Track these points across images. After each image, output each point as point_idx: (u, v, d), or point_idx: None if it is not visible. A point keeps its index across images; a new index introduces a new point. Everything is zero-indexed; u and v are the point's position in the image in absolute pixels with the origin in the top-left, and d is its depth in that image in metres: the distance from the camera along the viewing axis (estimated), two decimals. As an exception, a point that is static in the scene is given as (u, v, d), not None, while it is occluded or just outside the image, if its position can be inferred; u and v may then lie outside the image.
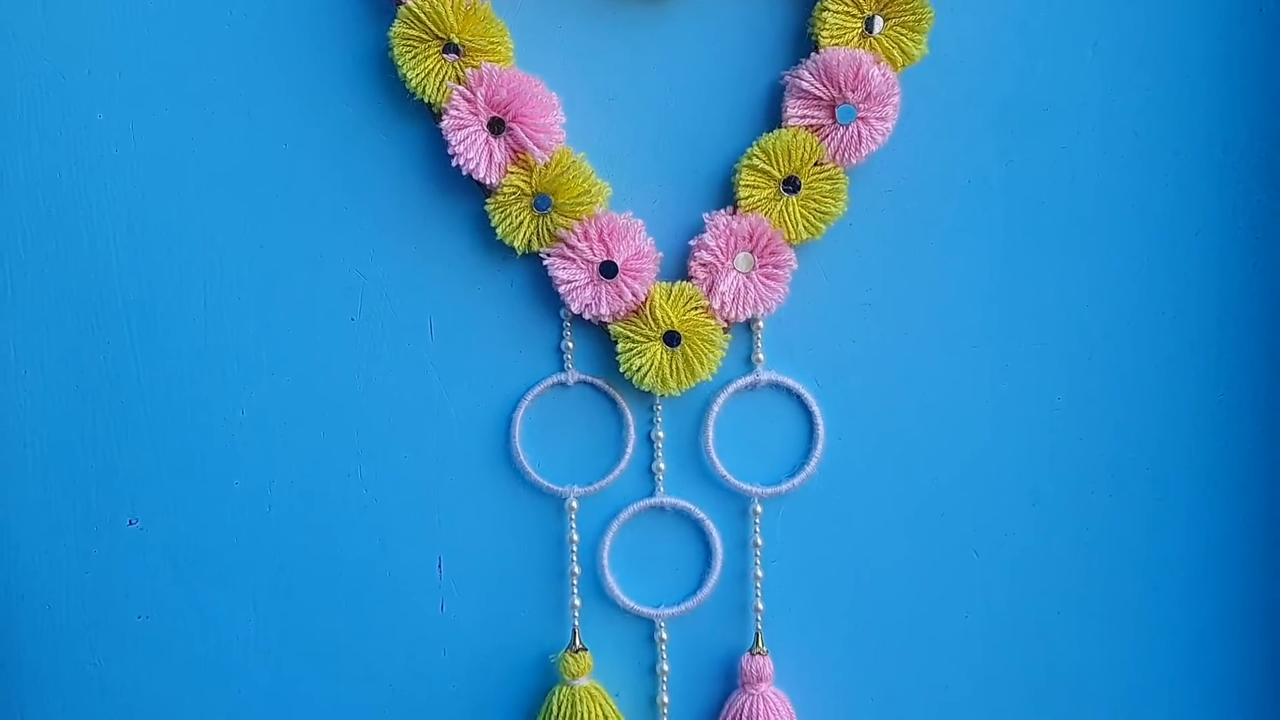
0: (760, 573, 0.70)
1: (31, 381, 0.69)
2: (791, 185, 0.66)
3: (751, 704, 0.70)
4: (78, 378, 0.69)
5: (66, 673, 0.71)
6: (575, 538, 0.70)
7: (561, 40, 0.67)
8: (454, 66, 0.64)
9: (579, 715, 0.69)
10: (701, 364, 0.66)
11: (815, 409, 0.70)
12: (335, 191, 0.68)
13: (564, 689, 0.69)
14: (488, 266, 0.69)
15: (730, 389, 0.69)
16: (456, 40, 0.64)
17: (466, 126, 0.64)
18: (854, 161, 0.66)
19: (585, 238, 0.65)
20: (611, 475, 0.69)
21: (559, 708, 0.69)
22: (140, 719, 0.72)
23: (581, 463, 0.70)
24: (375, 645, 0.71)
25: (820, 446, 0.70)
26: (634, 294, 0.66)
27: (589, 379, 0.69)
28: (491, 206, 0.66)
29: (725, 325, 0.67)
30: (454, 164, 0.65)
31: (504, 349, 0.69)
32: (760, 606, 0.70)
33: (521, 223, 0.66)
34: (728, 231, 0.66)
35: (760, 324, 0.69)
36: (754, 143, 0.66)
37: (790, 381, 0.69)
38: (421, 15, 0.63)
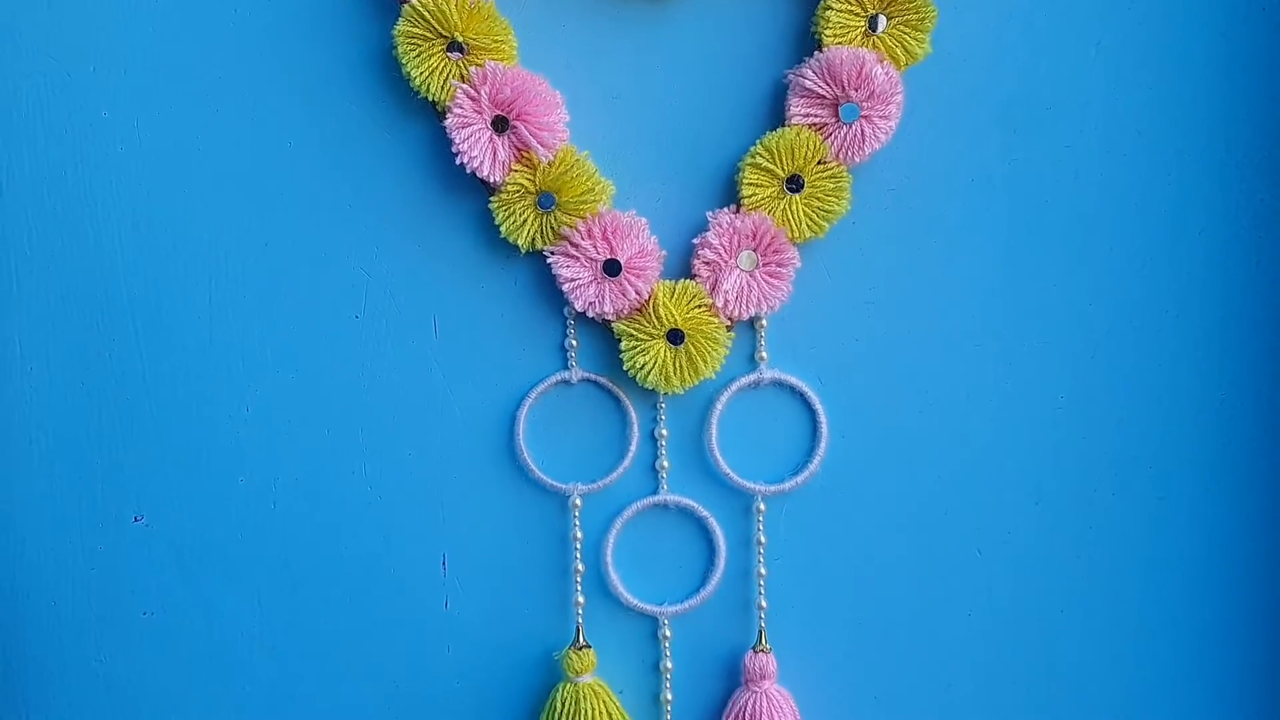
0: (763, 570, 0.70)
1: (37, 378, 0.69)
2: (795, 184, 0.66)
3: (755, 701, 0.70)
4: (83, 374, 0.69)
5: (72, 668, 0.71)
6: (579, 535, 0.70)
7: (565, 39, 0.67)
8: (458, 65, 0.64)
9: (583, 712, 0.69)
10: (705, 362, 0.66)
11: (818, 407, 0.70)
12: (339, 189, 0.68)
13: (568, 686, 0.69)
14: (492, 264, 0.69)
15: (733, 387, 0.69)
16: (460, 39, 0.64)
17: (470, 125, 0.64)
18: (857, 160, 0.66)
19: (589, 236, 0.65)
20: (615, 473, 0.70)
21: (563, 705, 0.69)
22: (146, 714, 0.72)
23: (585, 460, 0.70)
24: (380, 642, 0.71)
25: (823, 445, 0.70)
26: (637, 292, 0.66)
27: (593, 377, 0.69)
28: (495, 205, 0.66)
29: (729, 323, 0.67)
30: (458, 162, 0.65)
31: (508, 347, 0.69)
32: (763, 604, 0.70)
33: (525, 221, 0.66)
34: (731, 230, 0.66)
35: (763, 322, 0.69)
36: (757, 141, 0.66)
37: (793, 380, 0.70)
38: (426, 14, 0.63)
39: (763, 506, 0.70)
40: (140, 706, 0.72)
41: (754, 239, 0.66)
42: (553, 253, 0.66)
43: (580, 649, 0.69)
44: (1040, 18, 0.68)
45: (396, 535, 0.71)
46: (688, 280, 0.67)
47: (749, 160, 0.66)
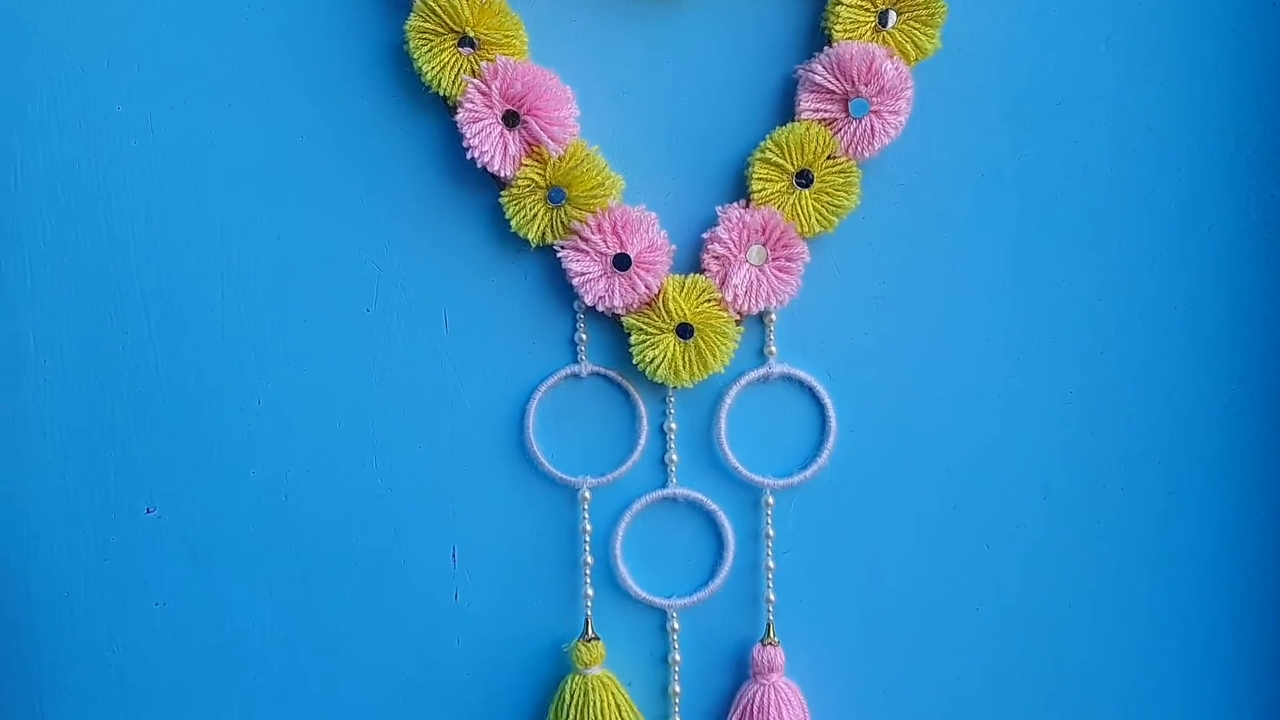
0: (772, 564, 0.70)
1: (51, 371, 0.70)
2: (804, 179, 0.66)
3: (763, 694, 0.70)
4: (96, 367, 0.70)
5: (85, 659, 0.72)
6: (588, 528, 0.70)
7: (576, 34, 0.67)
8: (469, 60, 0.64)
9: (591, 704, 0.69)
10: (714, 356, 0.66)
11: (827, 401, 0.70)
12: (351, 184, 0.68)
13: (576, 678, 0.70)
14: (502, 259, 0.69)
15: (743, 381, 0.69)
16: (472, 33, 0.64)
17: (481, 119, 0.64)
18: (867, 155, 0.66)
19: (599, 230, 0.65)
20: (624, 466, 0.70)
21: (571, 696, 0.69)
22: (157, 705, 0.72)
23: (594, 454, 0.70)
24: (390, 634, 0.71)
25: (832, 439, 0.70)
26: (647, 286, 0.66)
27: (602, 371, 0.69)
28: (506, 199, 0.66)
29: (738, 318, 0.67)
30: (469, 157, 0.65)
31: (518, 341, 0.70)
32: (772, 597, 0.70)
33: (535, 215, 0.66)
34: (740, 224, 0.66)
35: (773, 316, 0.69)
36: (767, 136, 0.66)
37: (802, 374, 0.70)
38: (437, 9, 0.63)
39: (771, 500, 0.70)
40: (152, 697, 0.72)
41: (763, 234, 0.66)
42: (563, 247, 0.66)
43: (589, 641, 0.69)
44: (1050, 13, 0.68)
45: (407, 528, 0.71)
46: (697, 275, 0.67)
47: (759, 155, 0.66)
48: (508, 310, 0.69)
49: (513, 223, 0.66)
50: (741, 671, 0.72)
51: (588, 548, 0.70)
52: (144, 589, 0.71)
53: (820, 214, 0.66)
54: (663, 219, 0.67)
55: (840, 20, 0.64)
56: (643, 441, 0.70)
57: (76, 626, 0.71)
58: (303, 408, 0.70)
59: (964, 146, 0.69)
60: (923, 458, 0.71)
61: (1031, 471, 0.72)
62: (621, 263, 0.65)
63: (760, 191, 0.66)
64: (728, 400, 0.69)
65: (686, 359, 0.66)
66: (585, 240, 0.66)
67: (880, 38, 0.65)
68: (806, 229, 0.66)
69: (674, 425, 0.70)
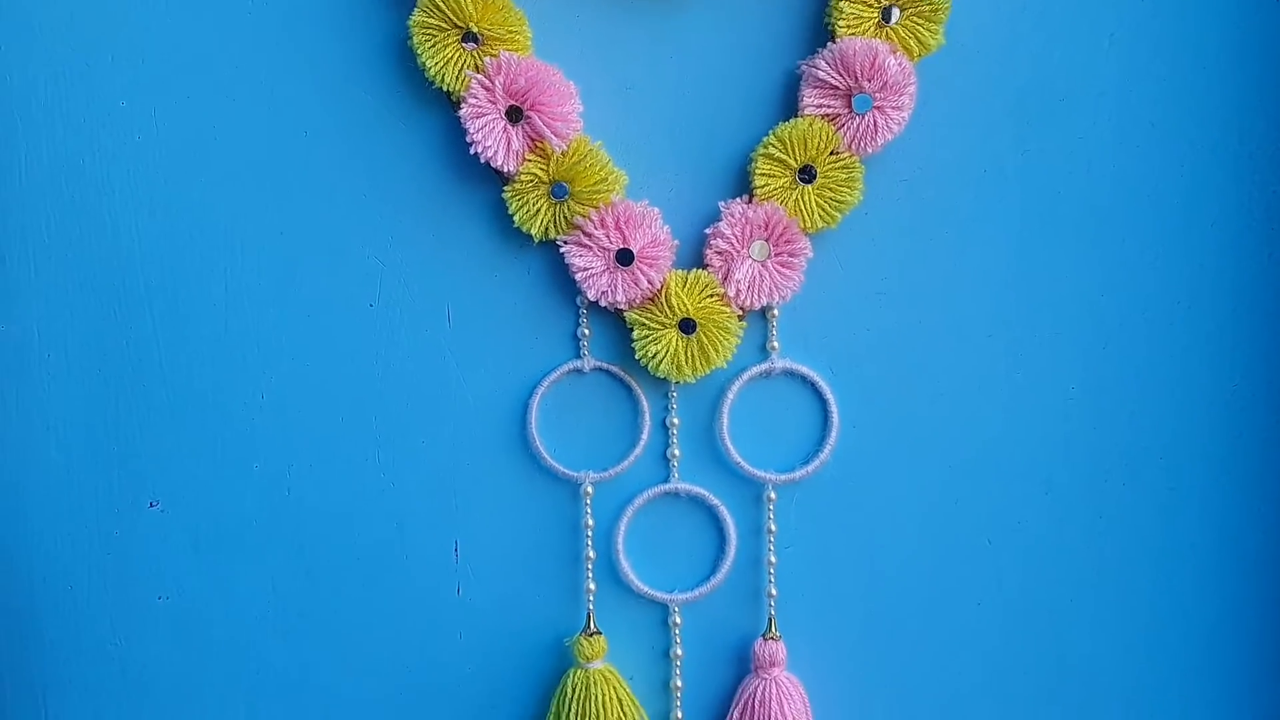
0: (774, 559, 0.70)
1: (55, 365, 0.70)
2: (807, 174, 0.66)
3: (764, 688, 0.70)
4: (100, 362, 0.70)
5: (88, 652, 0.72)
6: (590, 523, 0.70)
7: (579, 29, 0.67)
8: (473, 55, 0.64)
9: (593, 698, 0.69)
10: (716, 351, 0.67)
11: (829, 397, 0.70)
12: (354, 179, 0.68)
13: (578, 672, 0.70)
14: (505, 254, 0.69)
15: (745, 376, 0.69)
16: (475, 29, 0.64)
17: (485, 115, 0.65)
18: (870, 151, 0.66)
19: (602, 225, 0.66)
20: (627, 461, 0.70)
21: (573, 690, 0.69)
22: (160, 698, 0.72)
23: (597, 448, 0.70)
24: (392, 627, 0.72)
25: (834, 434, 0.70)
26: (650, 281, 0.66)
27: (605, 366, 0.70)
28: (509, 194, 0.66)
29: (740, 313, 0.67)
30: (472, 152, 0.65)
31: (521, 336, 0.70)
32: (773, 592, 0.70)
33: (539, 210, 0.66)
34: (743, 220, 0.66)
35: (775, 312, 0.69)
36: (770, 132, 0.66)
37: (805, 369, 0.70)
38: (441, 4, 0.63)
39: (773, 495, 0.70)
40: (155, 690, 0.72)
41: (766, 229, 0.66)
42: (566, 242, 0.66)
43: (591, 635, 0.70)
44: (1054, 9, 0.68)
45: (409, 522, 0.71)
46: (700, 270, 0.67)
47: (761, 150, 0.66)
48: (511, 305, 0.69)
49: (516, 218, 0.66)
50: (743, 666, 0.72)
51: (590, 542, 0.70)
52: (147, 582, 0.71)
53: (823, 209, 0.66)
54: (665, 214, 0.67)
55: (844, 16, 0.64)
56: (645, 436, 0.70)
57: (80, 620, 0.72)
58: (306, 402, 0.70)
59: (967, 142, 0.69)
60: (925, 453, 0.71)
61: (1033, 467, 0.72)
62: (624, 258, 0.65)
63: (763, 187, 0.66)
64: (730, 395, 0.69)
65: (689, 354, 0.66)
66: (588, 235, 0.66)
67: (884, 33, 0.65)
68: (809, 224, 0.66)
69: (676, 420, 0.70)
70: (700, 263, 0.67)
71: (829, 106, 0.65)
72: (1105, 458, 0.72)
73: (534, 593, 0.71)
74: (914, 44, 0.65)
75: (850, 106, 0.65)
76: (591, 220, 0.65)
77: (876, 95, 0.65)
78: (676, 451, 0.70)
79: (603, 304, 0.67)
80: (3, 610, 0.71)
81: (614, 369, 0.70)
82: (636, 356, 0.67)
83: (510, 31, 0.65)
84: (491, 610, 0.72)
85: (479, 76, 0.64)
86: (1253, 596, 0.73)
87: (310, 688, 0.72)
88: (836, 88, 0.65)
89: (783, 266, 0.67)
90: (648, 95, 0.68)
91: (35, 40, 0.67)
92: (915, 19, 0.65)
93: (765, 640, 0.70)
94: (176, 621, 0.72)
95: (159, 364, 0.70)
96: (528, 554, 0.71)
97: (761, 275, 0.66)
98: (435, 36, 0.64)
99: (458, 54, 0.64)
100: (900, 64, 0.64)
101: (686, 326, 0.66)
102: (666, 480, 0.70)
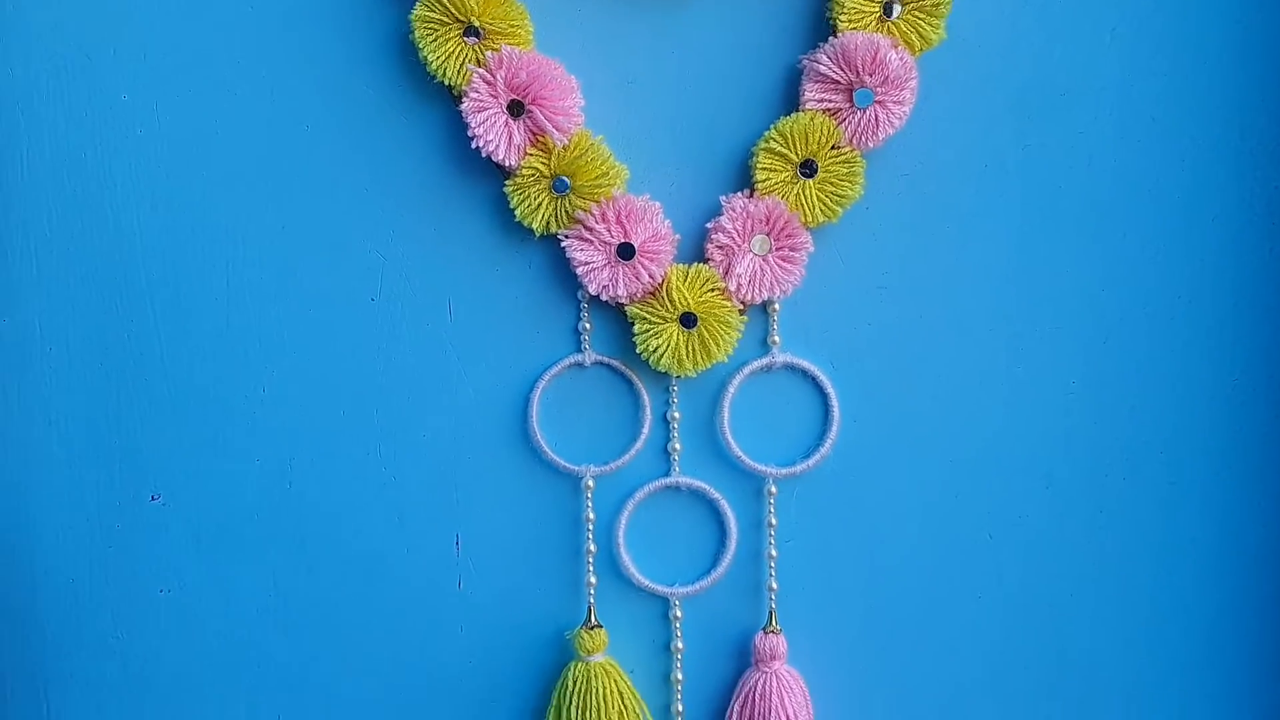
0: (774, 552, 0.70)
1: (56, 359, 0.70)
2: (808, 169, 0.66)
3: (765, 682, 0.70)
4: (102, 355, 0.70)
5: (89, 646, 0.72)
6: (591, 516, 0.70)
7: (581, 23, 0.67)
8: (474, 49, 0.64)
9: (594, 691, 0.69)
10: (717, 345, 0.67)
11: (830, 391, 0.70)
12: (356, 173, 0.68)
13: (579, 665, 0.70)
14: (506, 248, 0.69)
15: (746, 370, 0.69)
16: (477, 23, 0.64)
17: (486, 109, 0.65)
18: (871, 145, 0.66)
19: (603, 220, 0.66)
20: (627, 455, 0.70)
21: (574, 683, 0.69)
22: (162, 691, 0.72)
23: (598, 442, 0.70)
24: (393, 621, 0.72)
25: (835, 428, 0.70)
26: (651, 276, 0.66)
27: (606, 360, 0.70)
28: (510, 188, 0.66)
29: (741, 307, 0.67)
30: (473, 146, 0.65)
31: (522, 330, 0.70)
32: (774, 586, 0.70)
33: (540, 205, 0.66)
34: (744, 214, 0.66)
35: (776, 306, 0.69)
36: (771, 126, 0.66)
37: (805, 364, 0.70)
38: (442, -2, 0.64)
39: (774, 489, 0.70)
40: (156, 682, 0.72)
41: (767, 223, 0.66)
42: (567, 236, 0.66)
43: (592, 629, 0.70)
44: (1055, 4, 0.68)
45: (410, 516, 0.71)
46: (701, 264, 0.67)
47: (763, 145, 0.66)
48: (512, 299, 0.69)
49: (517, 212, 0.66)
50: (743, 659, 0.72)
51: (591, 536, 0.70)
52: (148, 576, 0.72)
53: (824, 204, 0.66)
54: (667, 208, 0.67)
55: (845, 10, 0.64)
56: (646, 430, 0.70)
57: (81, 613, 0.72)
58: (307, 396, 0.70)
59: (968, 137, 0.69)
60: (925, 447, 0.71)
61: (1034, 461, 0.72)
62: (625, 252, 0.65)
63: (764, 181, 0.66)
64: (731, 389, 0.69)
65: (690, 348, 0.67)
66: (589, 230, 0.66)
67: (885, 28, 0.65)
68: (810, 219, 0.66)
69: (677, 414, 0.70)
70: (701, 257, 0.67)
71: (830, 101, 0.65)
72: (1106, 452, 0.72)
73: (535, 586, 0.71)
74: (915, 38, 0.65)
75: (851, 101, 0.65)
76: (593, 214, 0.66)
77: (878, 90, 0.65)
78: (677, 445, 0.70)
79: (604, 298, 0.67)
80: (4, 604, 0.71)
81: (615, 363, 0.70)
82: (637, 351, 0.67)
83: (512, 26, 0.65)
84: (492, 604, 0.72)
85: (480, 71, 0.64)
86: (1253, 590, 0.73)
87: (311, 680, 0.72)
88: (838, 82, 0.65)
89: (784, 261, 0.67)
90: (649, 89, 0.68)
91: (37, 34, 0.67)
92: (917, 13, 0.65)
93: (766, 634, 0.70)
94: (178, 615, 0.72)
95: (160, 358, 0.70)
96: (529, 548, 0.71)
97: (762, 270, 0.67)
98: (436, 31, 0.64)
99: (459, 48, 0.64)
100: (902, 59, 0.64)
101: (687, 321, 0.66)
102: (667, 474, 0.70)
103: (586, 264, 0.66)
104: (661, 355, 0.66)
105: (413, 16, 0.64)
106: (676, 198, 0.68)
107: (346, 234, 0.69)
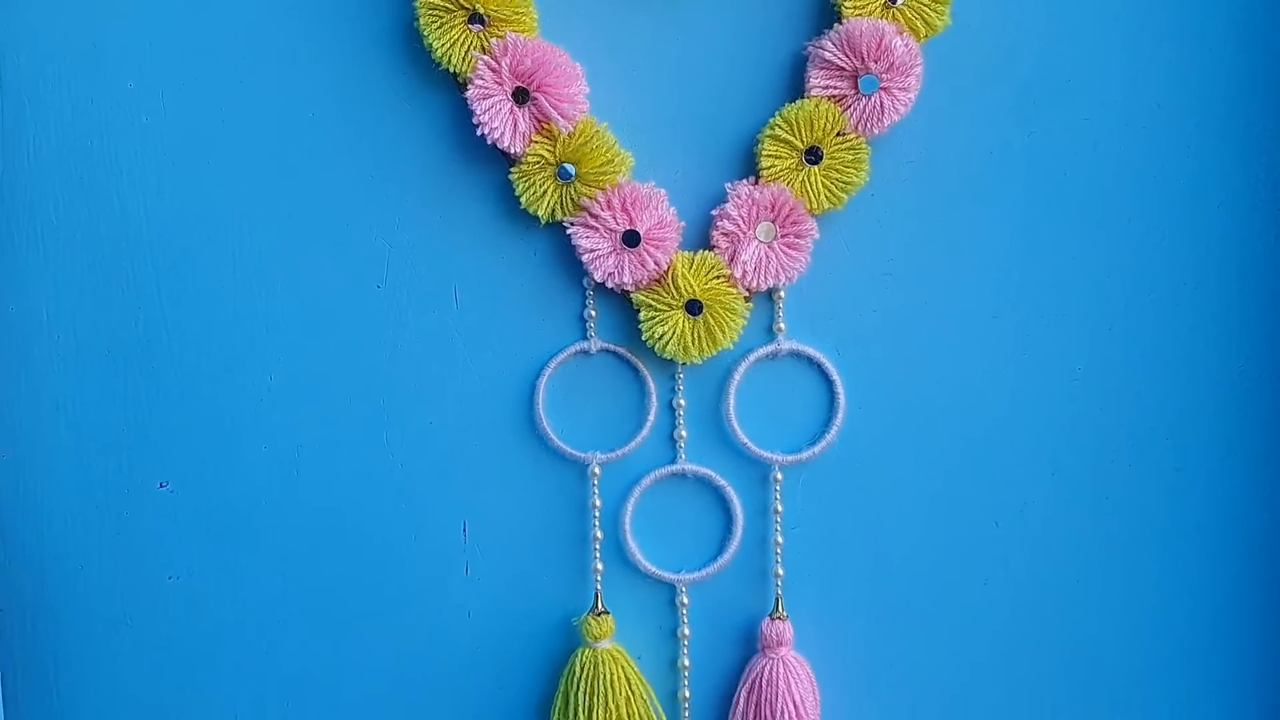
0: (780, 539, 0.71)
1: (64, 346, 0.70)
2: (814, 155, 0.66)
3: (771, 668, 0.70)
4: (109, 343, 0.70)
5: (99, 632, 0.72)
6: (598, 503, 0.70)
7: (586, 10, 0.67)
8: (479, 36, 0.64)
9: (601, 677, 0.69)
10: (723, 332, 0.67)
11: (836, 378, 0.70)
12: (362, 160, 0.68)
13: (586, 651, 0.70)
14: (512, 235, 0.69)
15: (751, 358, 0.70)
16: (482, 10, 0.64)
17: (491, 96, 0.65)
18: (876, 132, 0.66)
19: (608, 207, 0.66)
20: (634, 442, 0.70)
21: (582, 670, 0.70)
22: (171, 678, 0.73)
23: (604, 430, 0.70)
24: (401, 608, 0.72)
25: (841, 415, 0.70)
26: (656, 263, 0.66)
27: (611, 347, 0.70)
28: (516, 176, 0.66)
29: (747, 294, 0.68)
30: (479, 133, 0.65)
31: (528, 317, 0.70)
32: (780, 572, 0.71)
33: (545, 192, 0.66)
34: (750, 201, 0.66)
35: (781, 293, 0.69)
36: (776, 113, 0.66)
37: (811, 350, 0.70)
38: (447, -15, 0.64)
39: (780, 476, 0.70)
40: (166, 669, 0.73)
41: (772, 210, 0.66)
42: (572, 223, 0.67)
43: (599, 615, 0.70)
44: (1061, -10, 0.68)
45: (418, 503, 0.71)
46: (706, 251, 0.67)
47: (768, 132, 0.66)
48: (518, 287, 0.69)
49: (522, 199, 0.66)
50: (750, 645, 0.72)
51: (597, 523, 0.70)
52: (157, 563, 0.72)
53: (829, 191, 0.66)
54: (672, 196, 0.67)
55: (850, -4, 0.64)
56: (652, 417, 0.70)
57: (90, 600, 0.72)
58: (314, 383, 0.70)
59: (973, 124, 0.69)
60: (931, 434, 0.71)
61: (1040, 448, 0.72)
62: (631, 239, 0.66)
63: (769, 168, 0.66)
64: (736, 376, 0.70)
65: (695, 335, 0.67)
66: (595, 217, 0.66)
67: (890, 14, 0.65)
68: (815, 206, 0.66)
69: (683, 401, 0.70)
70: (707, 244, 0.67)
71: (835, 88, 0.65)
72: (1111, 439, 0.72)
73: (542, 573, 0.72)
74: (921, 25, 0.65)
75: (857, 88, 0.65)
76: (598, 201, 0.66)
77: (883, 76, 0.64)
78: (683, 432, 0.70)
79: (609, 285, 0.67)
80: (14, 590, 0.72)
81: (621, 350, 0.70)
82: (643, 338, 0.67)
83: (516, 13, 0.64)
84: (500, 590, 0.72)
85: (485, 58, 0.64)
86: (1260, 578, 0.73)
87: (319, 667, 0.73)
88: (843, 69, 0.65)
89: (789, 248, 0.67)
90: (654, 76, 0.68)
91: (43, 21, 0.67)
92: (922, 0, 0.65)
93: (772, 620, 0.71)
94: (186, 601, 0.72)
95: (168, 345, 0.70)
96: (536, 534, 0.71)
97: (768, 256, 0.67)
98: (442, 18, 0.64)
99: (464, 35, 0.64)
100: (907, 45, 0.64)
101: (693, 308, 0.66)
102: (673, 461, 0.71)
103: (592, 251, 0.66)
104: (667, 342, 0.67)
105: (418, 3, 0.64)
106: (682, 185, 0.68)
107: (352, 221, 0.69)
